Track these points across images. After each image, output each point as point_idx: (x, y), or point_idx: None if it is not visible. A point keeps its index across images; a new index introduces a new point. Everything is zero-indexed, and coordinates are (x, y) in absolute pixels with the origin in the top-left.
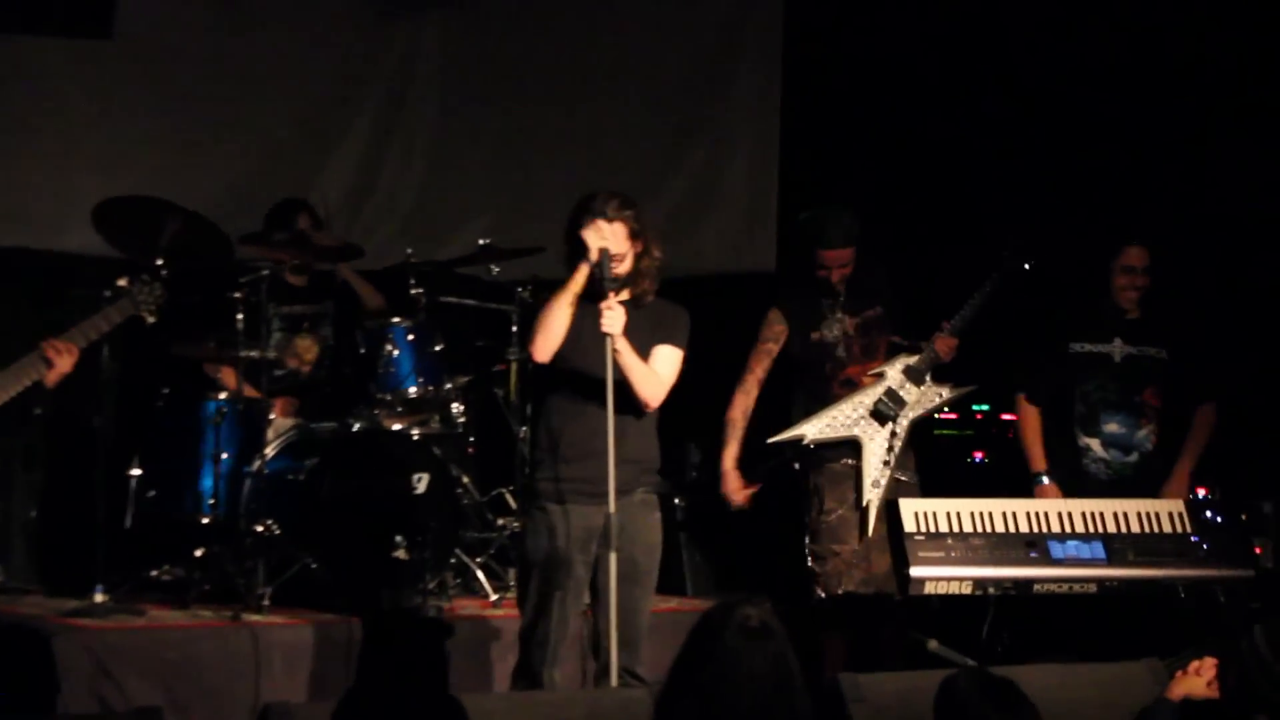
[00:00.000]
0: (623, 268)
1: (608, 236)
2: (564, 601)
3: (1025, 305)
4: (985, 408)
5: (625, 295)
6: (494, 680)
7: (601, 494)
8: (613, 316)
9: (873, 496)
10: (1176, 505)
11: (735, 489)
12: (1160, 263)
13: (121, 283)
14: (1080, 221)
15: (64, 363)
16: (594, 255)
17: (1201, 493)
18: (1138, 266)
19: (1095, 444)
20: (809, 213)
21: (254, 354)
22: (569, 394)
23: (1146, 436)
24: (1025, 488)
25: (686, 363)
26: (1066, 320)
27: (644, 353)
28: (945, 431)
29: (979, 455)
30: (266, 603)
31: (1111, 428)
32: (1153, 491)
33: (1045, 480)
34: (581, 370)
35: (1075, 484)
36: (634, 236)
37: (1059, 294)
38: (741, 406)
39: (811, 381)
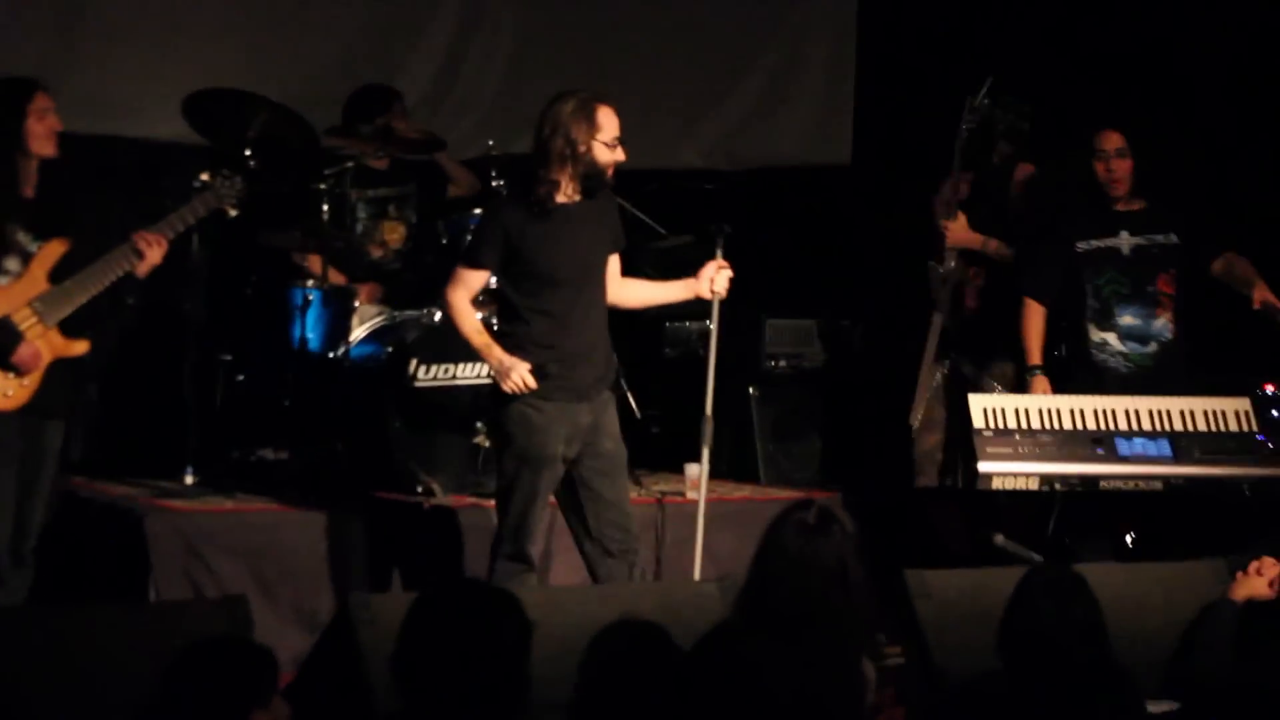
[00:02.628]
0: (618, 155)
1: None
2: (548, 491)
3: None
4: None
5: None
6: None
7: (585, 394)
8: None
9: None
10: (1243, 403)
11: None
12: (1147, 144)
13: (204, 177)
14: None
15: (154, 254)
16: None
17: (1269, 389)
18: (1109, 150)
19: (1112, 337)
20: None
21: (339, 242)
22: (554, 298)
23: (1164, 326)
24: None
25: (762, 247)
26: (1069, 220)
27: (599, 249)
28: None
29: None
30: (352, 487)
31: (1127, 320)
32: (1174, 382)
33: (1038, 373)
34: (565, 278)
35: (1094, 379)
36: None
37: (1060, 195)
38: None
39: None
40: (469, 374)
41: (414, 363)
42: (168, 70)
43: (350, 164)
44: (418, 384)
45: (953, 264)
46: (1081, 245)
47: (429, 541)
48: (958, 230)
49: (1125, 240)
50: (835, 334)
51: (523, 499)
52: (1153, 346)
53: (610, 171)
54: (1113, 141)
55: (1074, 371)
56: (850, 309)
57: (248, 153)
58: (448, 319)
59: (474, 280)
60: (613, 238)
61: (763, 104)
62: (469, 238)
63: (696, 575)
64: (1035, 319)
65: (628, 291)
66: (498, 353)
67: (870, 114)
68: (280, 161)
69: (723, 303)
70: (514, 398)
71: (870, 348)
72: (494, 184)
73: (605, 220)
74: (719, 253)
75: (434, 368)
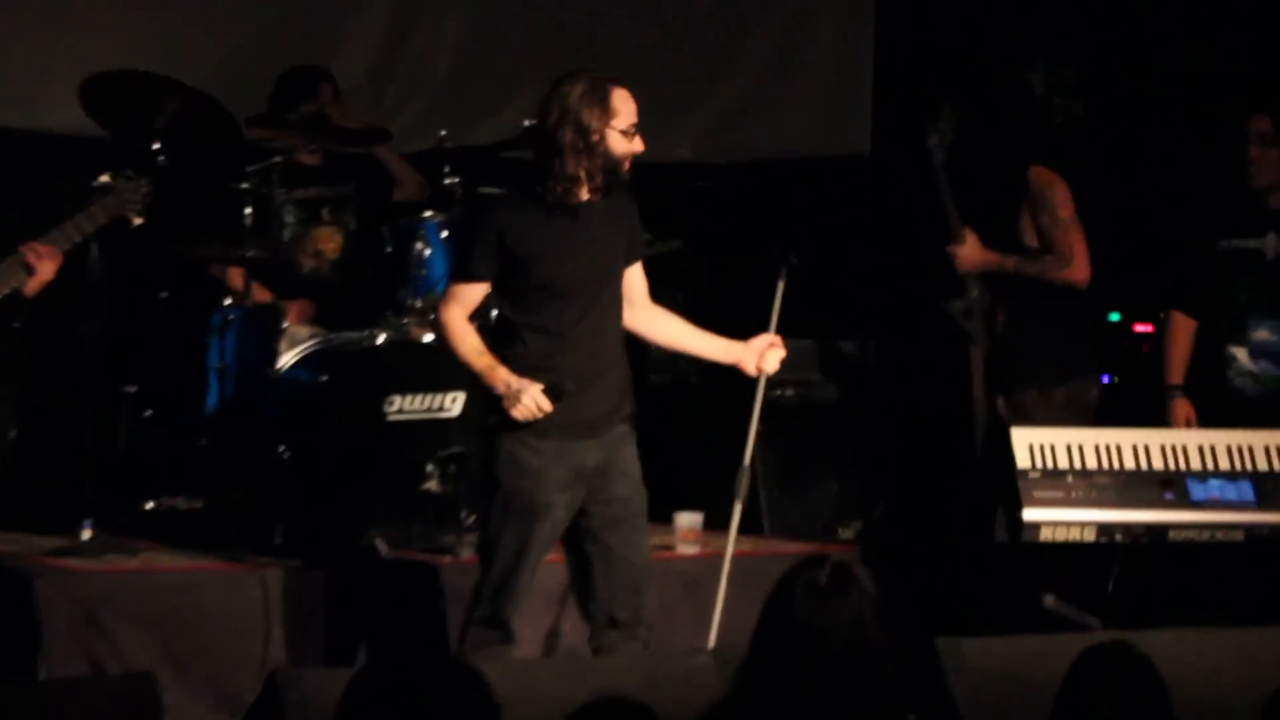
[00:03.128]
0: (635, 145)
1: None
2: (542, 547)
3: (1169, 203)
4: (1116, 317)
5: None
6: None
7: (592, 430)
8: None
9: None
10: None
11: None
12: None
13: (105, 178)
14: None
15: (45, 269)
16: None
17: None
18: (1254, 134)
19: (1242, 354)
20: None
21: (265, 252)
22: (559, 314)
23: None
24: (1162, 416)
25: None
26: (1213, 214)
27: (614, 257)
28: None
29: (1105, 376)
30: (279, 541)
31: (1261, 335)
32: None
33: (1179, 395)
34: (573, 290)
35: (1217, 401)
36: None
37: (1205, 187)
38: None
39: None
40: (417, 407)
41: (353, 394)
42: (61, 51)
43: (278, 159)
44: (357, 419)
45: (975, 293)
46: (1223, 244)
47: (372, 605)
48: (968, 253)
49: (1273, 242)
50: (846, 357)
51: (508, 555)
52: None
53: (627, 164)
54: (1259, 125)
55: (1195, 387)
56: (861, 327)
57: (156, 147)
58: (391, 343)
59: (469, 295)
60: (631, 244)
61: (763, 85)
62: (459, 245)
63: (711, 642)
64: (1182, 334)
65: (658, 325)
66: (503, 374)
67: (894, 95)
68: (195, 157)
69: (716, 319)
70: (504, 435)
71: (887, 372)
72: (446, 182)
73: (623, 222)
74: (775, 305)
75: (377, 400)
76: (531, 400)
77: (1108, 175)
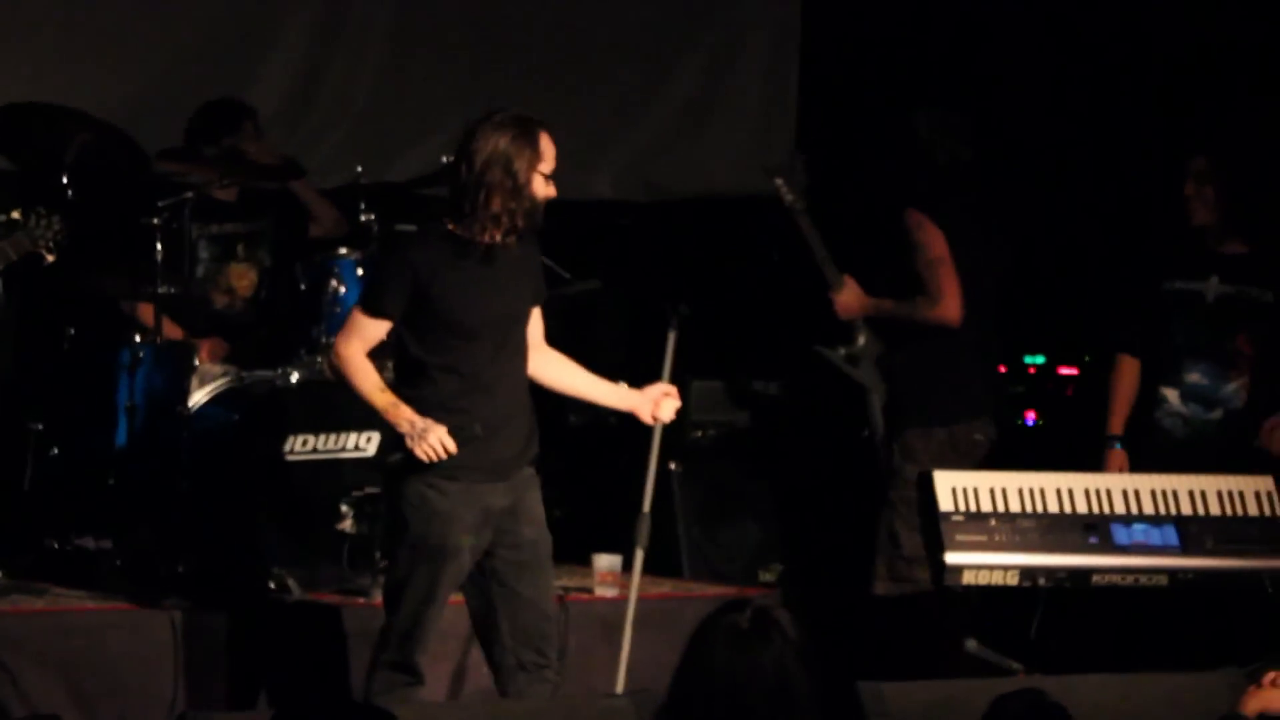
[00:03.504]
0: (551, 190)
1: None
2: (449, 589)
3: (1113, 244)
4: (1040, 360)
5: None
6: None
7: (500, 472)
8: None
9: None
10: (1265, 483)
11: None
12: (1239, 177)
13: (14, 215)
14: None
15: None
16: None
17: None
18: (1203, 171)
19: (1173, 395)
20: None
21: (176, 289)
22: (467, 355)
23: (1235, 391)
24: (1087, 456)
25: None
26: (1160, 256)
27: (522, 300)
28: None
29: (1030, 417)
30: (188, 581)
31: (1194, 377)
32: (1236, 457)
33: (1118, 446)
34: (484, 331)
35: (1145, 442)
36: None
37: (1150, 229)
38: None
39: None
40: (332, 446)
41: (266, 433)
42: None
43: (190, 194)
44: (271, 458)
45: (862, 339)
46: (1166, 285)
47: (283, 648)
48: (847, 299)
49: (1214, 286)
50: (761, 397)
51: (416, 598)
52: (1218, 413)
53: (542, 209)
54: (1197, 165)
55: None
56: (773, 367)
57: (65, 180)
58: (305, 382)
59: (373, 330)
60: (535, 288)
61: (686, 123)
62: (367, 279)
63: (619, 685)
64: (1127, 378)
65: (550, 367)
66: (406, 413)
67: (817, 131)
68: (104, 191)
69: (635, 358)
70: (409, 476)
71: (798, 413)
72: (363, 219)
73: (529, 267)
74: (669, 354)
75: (292, 439)
76: (437, 440)
77: (1029, 219)
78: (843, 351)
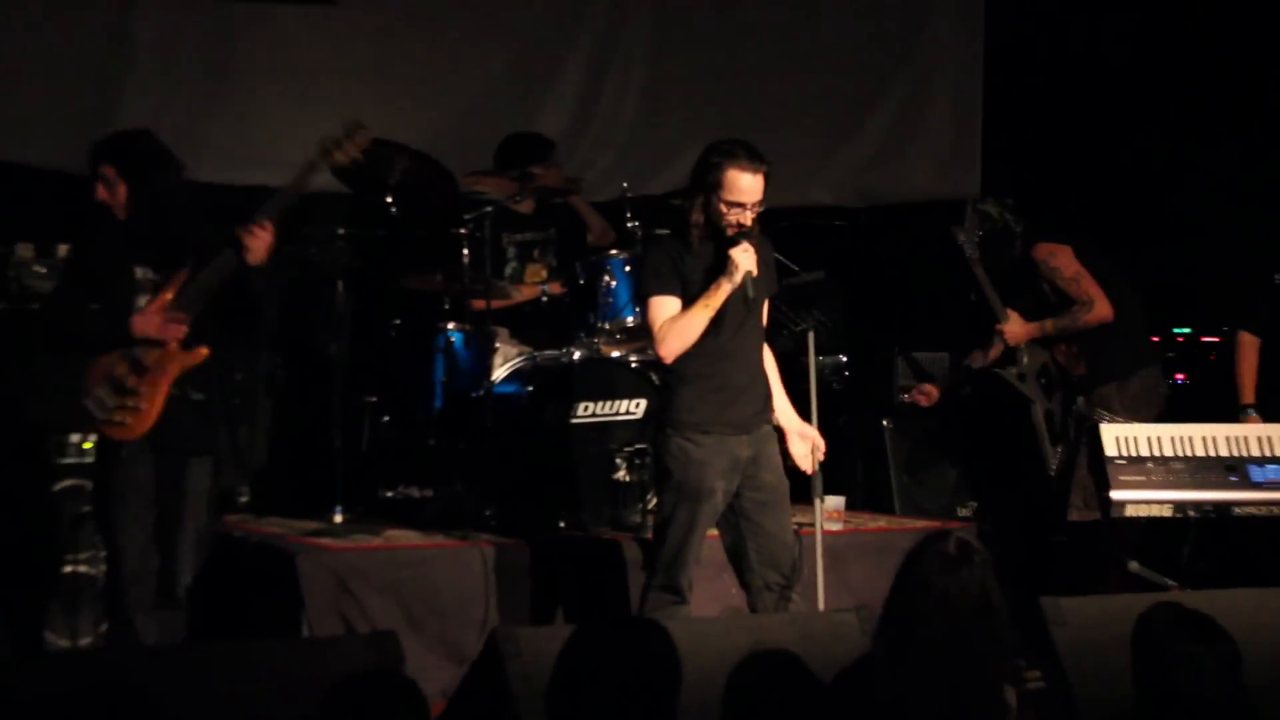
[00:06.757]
0: (753, 216)
1: (750, 259)
2: (706, 524)
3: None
4: (1187, 330)
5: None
6: (630, 596)
7: (744, 427)
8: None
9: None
10: None
11: None
12: None
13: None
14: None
15: (260, 240)
16: (738, 277)
17: None
18: None
19: None
20: None
21: (479, 285)
22: (713, 337)
23: None
24: (1227, 410)
25: (889, 278)
26: (1270, 249)
27: (766, 291)
28: None
29: (1180, 378)
30: (494, 523)
31: None
32: None
33: (1251, 413)
34: (723, 317)
35: (1276, 402)
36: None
37: (1263, 222)
38: None
39: None
40: (607, 411)
41: (554, 402)
42: (306, 120)
43: (490, 208)
44: (558, 422)
45: (1026, 359)
46: (1278, 278)
47: (573, 575)
48: (1015, 328)
49: None
50: (950, 367)
51: (679, 532)
52: None
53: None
54: None
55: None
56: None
57: (389, 200)
58: (585, 359)
59: (669, 307)
60: (768, 280)
61: (892, 139)
62: (641, 275)
63: (820, 605)
64: (1250, 354)
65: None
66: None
67: (999, 145)
68: (421, 207)
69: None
70: (671, 432)
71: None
72: (628, 225)
73: (764, 262)
74: (810, 351)
75: (574, 406)
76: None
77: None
78: (1014, 370)
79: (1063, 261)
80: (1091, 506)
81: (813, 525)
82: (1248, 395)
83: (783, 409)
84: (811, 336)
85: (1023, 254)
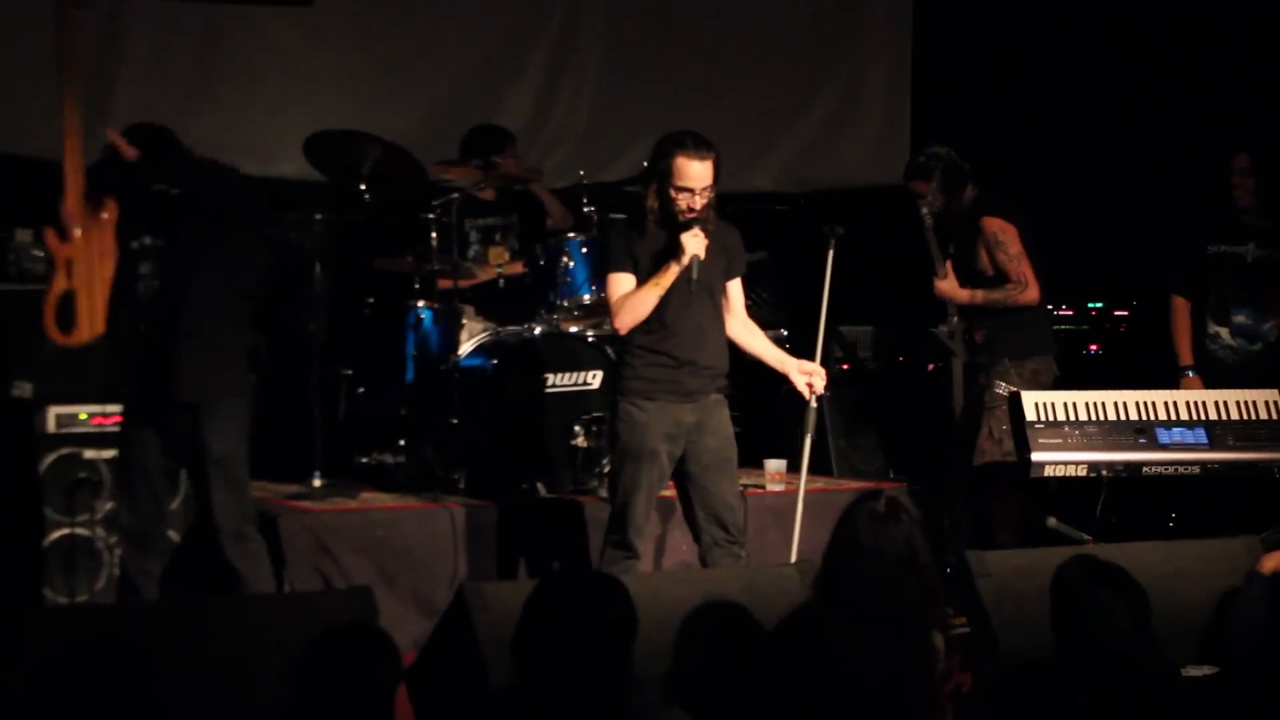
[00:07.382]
0: (702, 201)
1: (699, 244)
2: (653, 485)
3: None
4: (1099, 305)
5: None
6: (590, 552)
7: (688, 396)
8: None
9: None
10: (1273, 394)
11: None
12: (1275, 171)
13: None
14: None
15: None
16: (685, 260)
17: None
18: (1246, 167)
19: (1224, 332)
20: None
21: (446, 265)
22: (661, 313)
23: (1271, 329)
24: (1136, 378)
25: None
26: (1206, 223)
27: (717, 277)
28: (1062, 327)
29: (1094, 348)
30: (462, 486)
31: (1240, 319)
32: (1273, 379)
33: (1190, 374)
34: (670, 296)
35: (1204, 366)
36: (714, 177)
37: (1193, 199)
38: None
39: None
40: (565, 382)
41: (517, 374)
42: (288, 114)
43: (456, 195)
44: (521, 392)
45: (955, 318)
46: (1211, 248)
47: (536, 534)
48: (946, 286)
49: (1251, 250)
50: (881, 340)
51: (624, 491)
52: (1259, 345)
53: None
54: (1241, 161)
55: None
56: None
57: (362, 187)
58: (545, 334)
59: (624, 284)
60: (726, 263)
61: (828, 129)
62: (598, 256)
63: (793, 557)
64: (1183, 317)
65: (742, 331)
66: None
67: (925, 136)
68: (392, 194)
69: (794, 310)
70: (620, 399)
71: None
72: (585, 211)
73: (721, 244)
74: (828, 266)
75: (536, 377)
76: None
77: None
78: (943, 328)
79: (1009, 239)
80: (990, 452)
81: (758, 487)
82: (1185, 358)
83: (777, 358)
84: (830, 253)
85: (972, 217)
